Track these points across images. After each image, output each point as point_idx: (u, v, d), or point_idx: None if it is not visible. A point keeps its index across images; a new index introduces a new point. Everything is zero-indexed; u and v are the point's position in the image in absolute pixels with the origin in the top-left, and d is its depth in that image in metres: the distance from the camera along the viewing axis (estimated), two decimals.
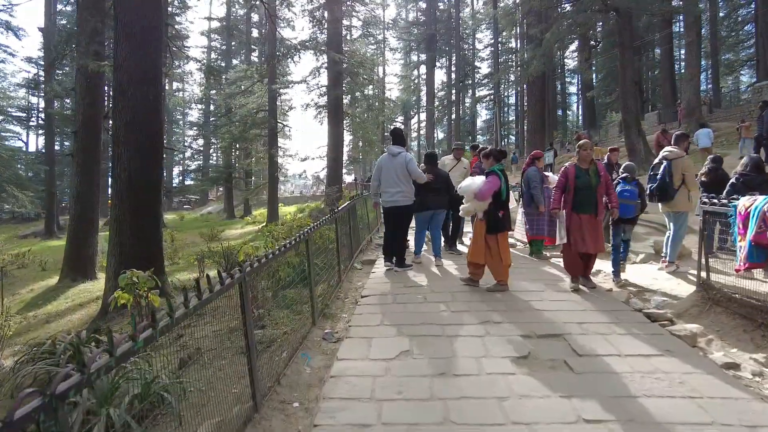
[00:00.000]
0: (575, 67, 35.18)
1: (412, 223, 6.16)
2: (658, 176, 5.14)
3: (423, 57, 42.68)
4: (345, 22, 22.55)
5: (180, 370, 3.55)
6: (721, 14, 28.57)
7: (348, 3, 21.62)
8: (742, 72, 32.64)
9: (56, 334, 5.17)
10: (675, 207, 5.12)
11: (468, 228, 7.09)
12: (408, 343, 3.26)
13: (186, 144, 42.52)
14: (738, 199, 3.64)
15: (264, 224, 17.88)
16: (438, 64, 42.96)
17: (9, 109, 31.74)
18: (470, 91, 43.84)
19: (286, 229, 8.01)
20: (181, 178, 44.67)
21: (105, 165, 17.34)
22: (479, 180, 4.63)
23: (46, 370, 3.23)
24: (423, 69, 43.93)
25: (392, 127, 23.40)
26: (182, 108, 41.94)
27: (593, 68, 31.05)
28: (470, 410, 2.37)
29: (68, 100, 23.90)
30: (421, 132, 45.88)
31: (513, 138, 42.98)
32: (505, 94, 44.08)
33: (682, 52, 26.14)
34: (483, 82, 43.13)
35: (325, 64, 20.06)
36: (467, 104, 44.39)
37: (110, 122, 9.79)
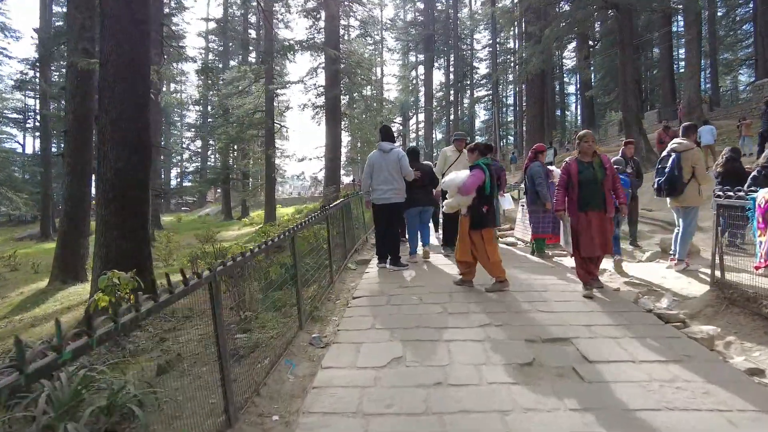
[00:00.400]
0: (574, 67, 35.00)
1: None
2: (667, 169, 4.88)
3: (421, 57, 42.50)
4: (343, 22, 22.32)
5: (158, 377, 3.32)
6: (719, 14, 28.44)
7: (346, 2, 21.40)
8: (740, 71, 32.53)
9: (38, 339, 4.94)
10: (684, 201, 4.88)
11: None
12: (401, 349, 3.00)
13: (184, 146, 42.30)
14: (757, 191, 3.38)
15: (261, 225, 17.64)
16: (436, 64, 42.83)
17: (5, 111, 31.57)
18: (468, 91, 43.70)
19: (282, 230, 7.82)
20: (179, 179, 44.48)
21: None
22: (463, 174, 4.41)
23: None
24: (421, 69, 43.76)
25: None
26: (180, 110, 41.71)
27: (592, 67, 30.86)
28: (469, 426, 2.10)
29: (63, 102, 23.62)
30: (420, 133, 45.69)
31: (512, 138, 42.84)
32: (504, 94, 43.96)
33: (681, 51, 26.00)
34: (481, 82, 42.98)
35: (323, 64, 19.84)
36: (466, 105, 44.25)
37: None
